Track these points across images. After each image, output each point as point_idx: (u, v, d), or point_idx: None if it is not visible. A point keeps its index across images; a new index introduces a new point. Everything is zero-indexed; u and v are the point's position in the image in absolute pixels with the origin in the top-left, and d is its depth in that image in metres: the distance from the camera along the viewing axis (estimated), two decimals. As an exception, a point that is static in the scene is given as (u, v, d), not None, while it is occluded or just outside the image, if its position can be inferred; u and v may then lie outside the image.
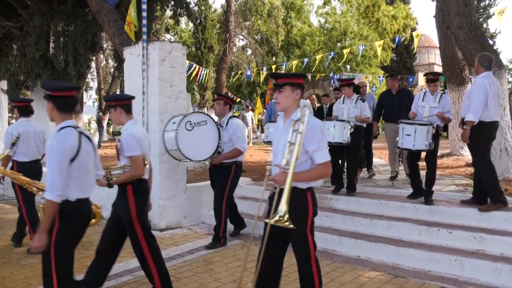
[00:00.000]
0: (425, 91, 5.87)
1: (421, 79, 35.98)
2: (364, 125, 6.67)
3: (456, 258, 4.49)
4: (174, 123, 5.66)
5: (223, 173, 5.56)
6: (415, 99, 6.04)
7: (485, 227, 4.93)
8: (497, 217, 4.95)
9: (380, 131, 7.82)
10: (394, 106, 7.25)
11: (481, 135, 5.05)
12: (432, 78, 5.81)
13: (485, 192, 5.15)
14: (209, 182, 7.34)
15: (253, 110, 21.00)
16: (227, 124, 5.60)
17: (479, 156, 5.16)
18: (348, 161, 6.55)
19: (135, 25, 7.18)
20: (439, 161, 9.84)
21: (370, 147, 8.16)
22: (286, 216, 2.70)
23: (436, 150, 5.71)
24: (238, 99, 25.37)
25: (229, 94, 23.48)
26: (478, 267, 4.34)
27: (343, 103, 6.69)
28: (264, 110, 18.82)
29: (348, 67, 27.69)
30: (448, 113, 5.67)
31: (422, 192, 5.68)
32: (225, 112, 5.70)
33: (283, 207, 2.72)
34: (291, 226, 2.71)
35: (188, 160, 5.81)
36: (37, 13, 9.78)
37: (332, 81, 19.28)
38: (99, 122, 21.36)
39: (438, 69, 37.36)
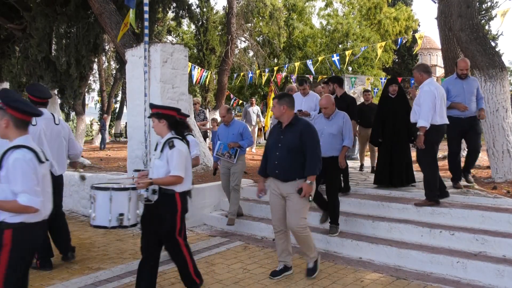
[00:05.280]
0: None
1: (423, 81, 35.89)
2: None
3: (458, 260, 4.48)
4: None
5: None
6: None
7: (487, 229, 4.92)
8: (500, 219, 4.94)
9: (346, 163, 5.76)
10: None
11: (431, 138, 5.38)
12: None
13: (443, 189, 5.58)
14: (211, 184, 7.33)
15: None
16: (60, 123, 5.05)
17: (428, 157, 5.47)
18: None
19: (133, 27, 7.18)
20: (441, 163, 9.81)
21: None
22: None
23: None
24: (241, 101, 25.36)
25: (231, 95, 23.50)
26: (481, 269, 4.33)
27: (155, 149, 4.24)
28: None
29: (350, 69, 27.67)
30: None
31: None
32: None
33: None
34: None
35: None
36: (40, 15, 9.81)
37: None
38: (102, 124, 21.37)
39: (440, 71, 37.36)
